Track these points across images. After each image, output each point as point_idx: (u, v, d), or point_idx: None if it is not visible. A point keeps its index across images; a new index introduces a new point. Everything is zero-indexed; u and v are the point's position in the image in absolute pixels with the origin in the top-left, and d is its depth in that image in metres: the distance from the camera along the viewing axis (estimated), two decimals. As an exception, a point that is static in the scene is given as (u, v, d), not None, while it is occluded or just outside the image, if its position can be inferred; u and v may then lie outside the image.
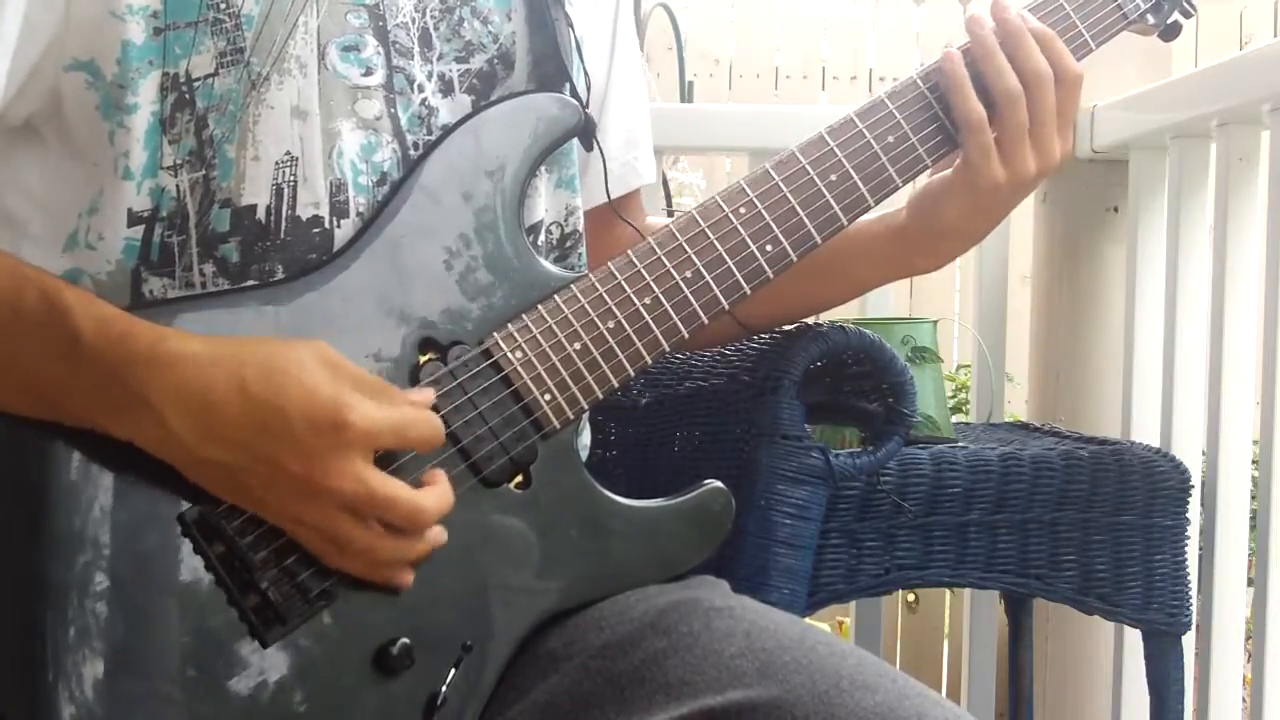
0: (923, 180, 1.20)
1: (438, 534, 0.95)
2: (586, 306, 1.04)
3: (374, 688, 0.96)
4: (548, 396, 1.02)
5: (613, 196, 1.19)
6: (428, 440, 0.95)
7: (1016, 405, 2.60)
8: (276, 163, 1.01)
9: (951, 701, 0.94)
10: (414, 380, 0.99)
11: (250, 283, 1.01)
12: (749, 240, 1.08)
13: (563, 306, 1.04)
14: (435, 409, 0.98)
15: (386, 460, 0.94)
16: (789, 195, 1.09)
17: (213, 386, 0.90)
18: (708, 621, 0.98)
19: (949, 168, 1.16)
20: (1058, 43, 1.13)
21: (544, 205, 1.14)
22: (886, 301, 2.00)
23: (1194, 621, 1.58)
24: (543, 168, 1.12)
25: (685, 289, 1.06)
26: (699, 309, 1.07)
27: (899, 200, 1.20)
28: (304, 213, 1.02)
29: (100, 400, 0.92)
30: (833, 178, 1.10)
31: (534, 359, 1.02)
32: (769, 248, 1.09)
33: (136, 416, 0.91)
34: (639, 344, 1.05)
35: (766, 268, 1.08)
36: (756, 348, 1.30)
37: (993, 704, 2.09)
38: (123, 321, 0.93)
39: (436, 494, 0.95)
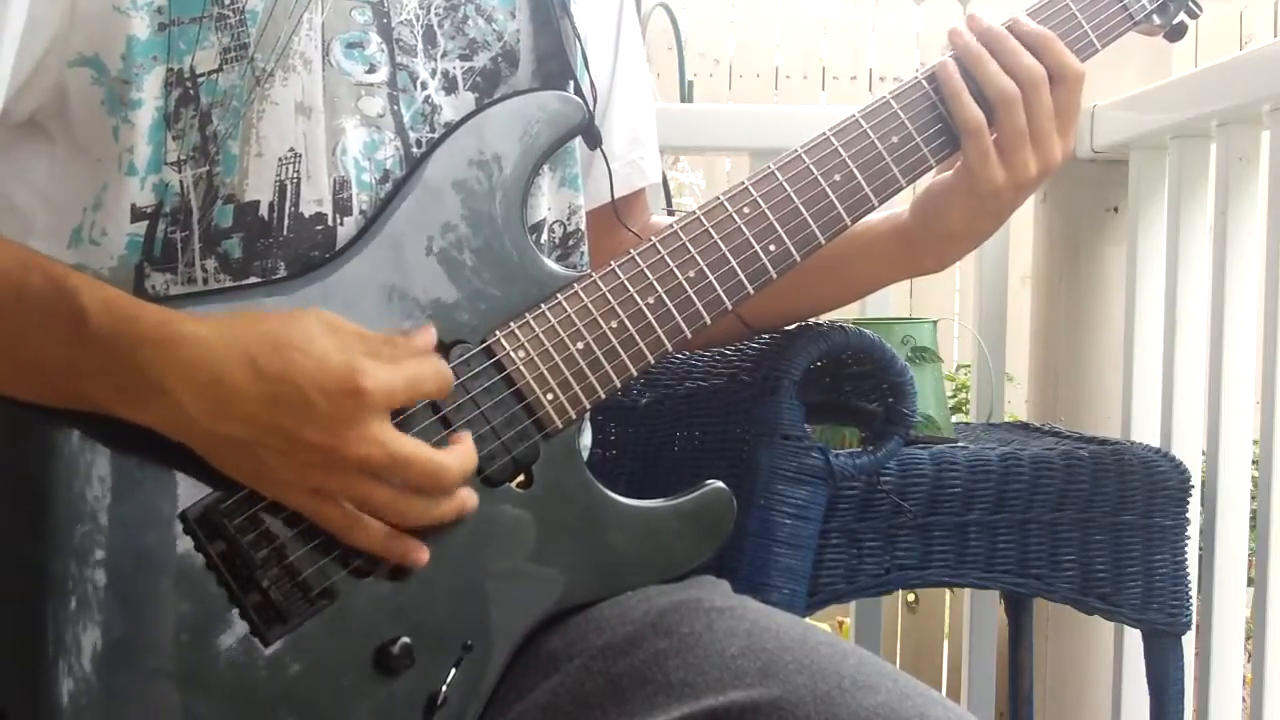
0: (926, 181, 1.20)
1: (466, 495, 0.96)
2: (589, 305, 1.04)
3: (374, 687, 0.96)
4: (550, 396, 1.02)
5: (618, 196, 1.19)
6: (438, 391, 0.95)
7: (1016, 405, 2.60)
8: (280, 159, 1.01)
9: (952, 701, 0.94)
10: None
11: (253, 279, 1.01)
12: (752, 240, 1.08)
13: (565, 305, 1.04)
14: (437, 408, 0.98)
15: (404, 424, 0.95)
16: (793, 195, 1.09)
17: (223, 365, 0.90)
18: (709, 622, 0.98)
19: (952, 168, 1.17)
20: (1055, 43, 1.13)
21: (546, 204, 1.14)
22: (886, 301, 2.00)
23: (1194, 621, 1.58)
24: (545, 166, 1.12)
25: (688, 288, 1.06)
26: (702, 309, 1.06)
27: (903, 200, 1.20)
28: (307, 210, 1.02)
29: (110, 383, 0.91)
30: (836, 178, 1.10)
31: (536, 358, 1.02)
32: (772, 248, 1.08)
33: (148, 398, 0.91)
34: (642, 343, 1.05)
35: (770, 268, 1.08)
36: (756, 348, 1.30)
37: (993, 704, 2.09)
38: (129, 304, 0.93)
39: (459, 453, 0.95)
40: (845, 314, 1.43)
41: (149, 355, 0.90)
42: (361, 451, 0.91)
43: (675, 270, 1.06)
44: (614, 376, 1.04)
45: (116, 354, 0.91)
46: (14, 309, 0.93)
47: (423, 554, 0.96)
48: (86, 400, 0.92)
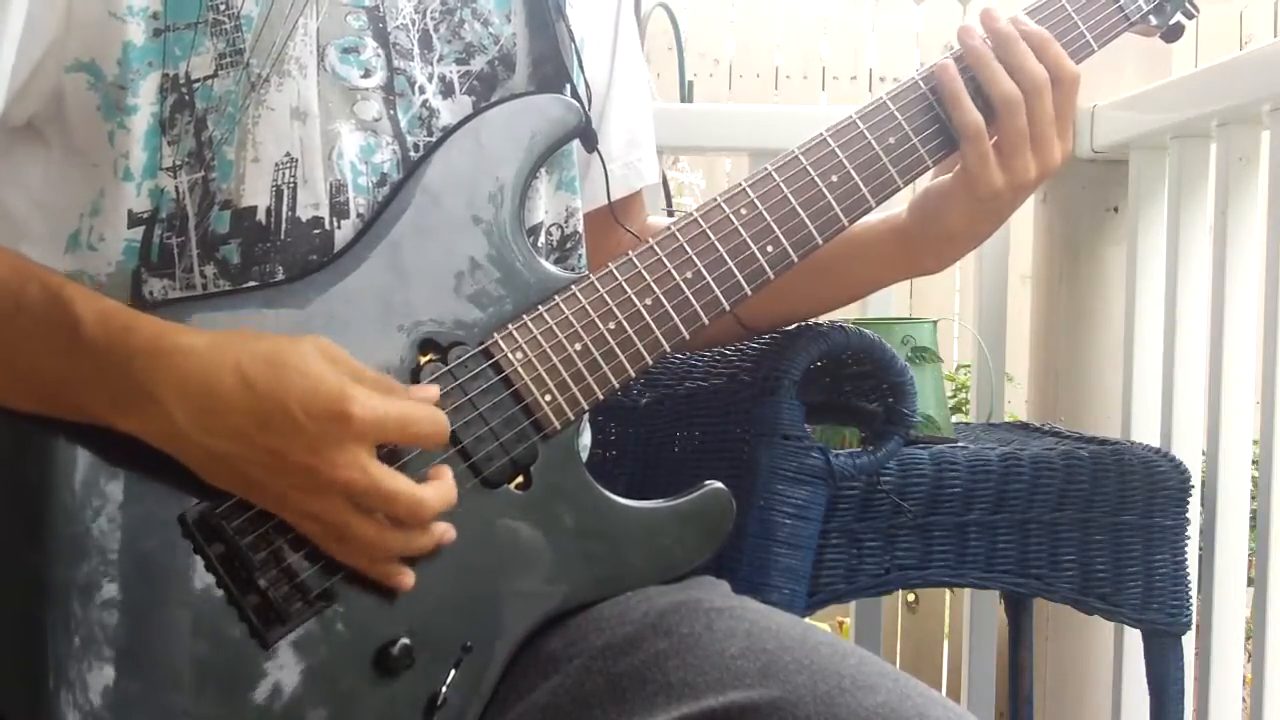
0: (924, 181, 1.20)
1: (445, 530, 0.96)
2: (587, 307, 1.04)
3: (374, 688, 0.96)
4: (548, 397, 1.02)
5: (615, 197, 1.19)
6: (432, 436, 0.94)
7: (1016, 405, 2.60)
8: (276, 164, 1.01)
9: (952, 701, 0.94)
10: (415, 381, 0.99)
11: (251, 284, 1.01)
12: (750, 241, 1.08)
13: (563, 307, 1.04)
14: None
15: (392, 458, 0.94)
16: (790, 196, 1.09)
17: (216, 379, 0.90)
18: (709, 622, 0.98)
19: (950, 170, 1.17)
20: (1054, 45, 1.13)
21: (544, 207, 1.14)
22: (886, 301, 2.00)
23: (1194, 621, 1.58)
24: (543, 169, 1.12)
25: (686, 289, 1.06)
26: (700, 310, 1.07)
27: (901, 200, 1.20)
28: (304, 214, 1.02)
29: (103, 393, 0.92)
30: (834, 178, 1.10)
31: (534, 359, 1.02)
32: (770, 248, 1.09)
33: (140, 409, 0.91)
34: (639, 344, 1.05)
35: (767, 268, 1.08)
36: (756, 348, 1.30)
37: (993, 704, 2.09)
38: (124, 315, 0.93)
39: (438, 488, 0.94)
40: (845, 314, 1.43)
41: (143, 365, 0.90)
42: (343, 476, 0.90)
43: (673, 271, 1.06)
44: (612, 378, 1.04)
45: (111, 364, 0.91)
46: (12, 317, 0.93)
47: (407, 578, 0.96)
48: (83, 410, 0.92)
